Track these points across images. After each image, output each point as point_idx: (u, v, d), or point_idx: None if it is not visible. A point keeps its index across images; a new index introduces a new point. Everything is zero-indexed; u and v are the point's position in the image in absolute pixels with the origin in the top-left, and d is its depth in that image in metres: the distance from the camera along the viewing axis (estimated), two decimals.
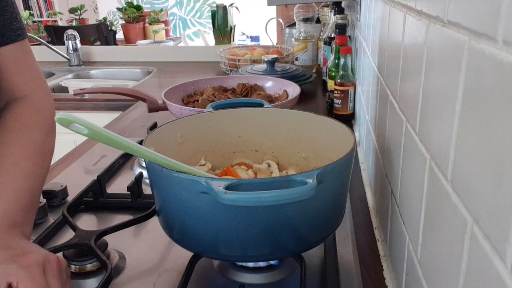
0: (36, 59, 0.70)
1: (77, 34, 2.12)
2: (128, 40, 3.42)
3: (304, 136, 0.71)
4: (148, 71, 2.02)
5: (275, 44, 2.22)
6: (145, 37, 3.48)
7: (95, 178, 0.80)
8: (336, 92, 1.17)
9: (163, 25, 3.49)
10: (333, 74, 1.21)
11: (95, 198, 0.79)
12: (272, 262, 0.60)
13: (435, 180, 0.38)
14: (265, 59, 1.50)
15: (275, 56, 1.53)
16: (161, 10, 2.65)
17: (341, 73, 1.15)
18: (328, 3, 1.71)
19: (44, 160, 0.63)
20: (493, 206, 0.26)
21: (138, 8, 2.89)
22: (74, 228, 0.65)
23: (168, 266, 0.63)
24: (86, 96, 1.55)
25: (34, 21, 3.80)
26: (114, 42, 3.35)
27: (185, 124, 0.70)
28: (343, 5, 1.49)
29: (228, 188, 0.46)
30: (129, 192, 0.77)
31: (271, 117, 0.73)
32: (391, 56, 0.62)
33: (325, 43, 1.47)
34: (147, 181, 0.70)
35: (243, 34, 4.38)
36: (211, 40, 2.37)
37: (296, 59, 1.70)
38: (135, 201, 0.78)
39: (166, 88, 1.16)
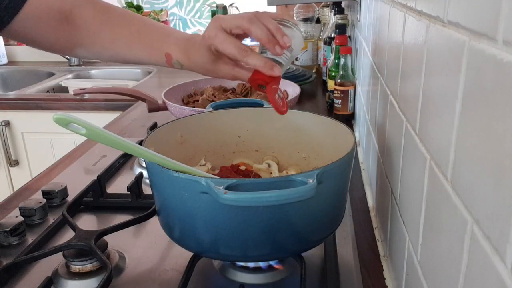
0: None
1: None
2: None
3: (304, 136, 0.71)
4: (148, 71, 2.02)
5: None
6: None
7: (95, 178, 0.80)
8: (336, 92, 1.17)
9: None
10: (333, 74, 1.21)
11: (95, 198, 0.79)
12: (272, 262, 0.60)
13: (435, 180, 0.38)
14: None
15: None
16: (161, 10, 2.65)
17: (341, 73, 1.15)
18: (328, 3, 1.71)
19: None
20: (493, 206, 0.26)
21: (138, 8, 2.89)
22: (74, 228, 0.65)
23: (168, 266, 0.63)
24: (86, 96, 1.55)
25: None
26: None
27: (185, 124, 0.70)
28: (343, 5, 1.49)
29: (228, 188, 0.46)
30: (129, 192, 0.77)
31: (271, 117, 0.73)
32: (391, 56, 0.62)
33: (325, 43, 1.47)
34: (147, 181, 0.70)
35: None
36: None
37: (296, 59, 1.70)
38: (135, 201, 0.78)
39: (166, 88, 1.16)
